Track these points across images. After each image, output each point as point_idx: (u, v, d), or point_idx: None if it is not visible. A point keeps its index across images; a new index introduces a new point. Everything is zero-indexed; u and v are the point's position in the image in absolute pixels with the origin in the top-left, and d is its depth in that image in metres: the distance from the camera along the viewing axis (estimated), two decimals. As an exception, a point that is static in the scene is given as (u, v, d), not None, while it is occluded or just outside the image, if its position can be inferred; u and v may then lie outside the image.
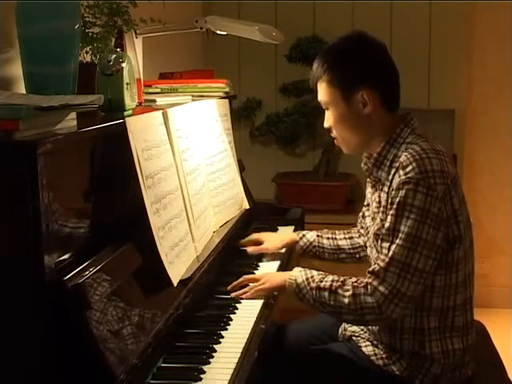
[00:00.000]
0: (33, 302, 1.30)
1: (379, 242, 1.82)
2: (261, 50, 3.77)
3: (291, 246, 2.33)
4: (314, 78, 1.95)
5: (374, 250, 1.89)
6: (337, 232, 2.29)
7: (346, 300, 1.78)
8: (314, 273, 1.89)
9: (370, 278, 1.78)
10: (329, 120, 1.95)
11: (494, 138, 4.01)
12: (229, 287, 2.01)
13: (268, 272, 2.12)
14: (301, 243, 2.29)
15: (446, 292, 1.83)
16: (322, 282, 1.84)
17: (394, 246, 1.75)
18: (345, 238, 2.26)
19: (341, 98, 1.89)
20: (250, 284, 2.00)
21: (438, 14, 3.91)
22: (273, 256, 2.34)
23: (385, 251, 1.77)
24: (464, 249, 1.83)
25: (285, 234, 2.39)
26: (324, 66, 1.91)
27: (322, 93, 1.93)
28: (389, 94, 1.92)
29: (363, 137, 1.92)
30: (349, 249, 2.25)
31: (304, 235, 2.30)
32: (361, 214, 2.21)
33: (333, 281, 1.83)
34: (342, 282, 1.82)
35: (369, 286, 1.76)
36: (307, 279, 1.87)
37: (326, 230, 2.31)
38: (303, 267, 1.95)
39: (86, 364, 1.31)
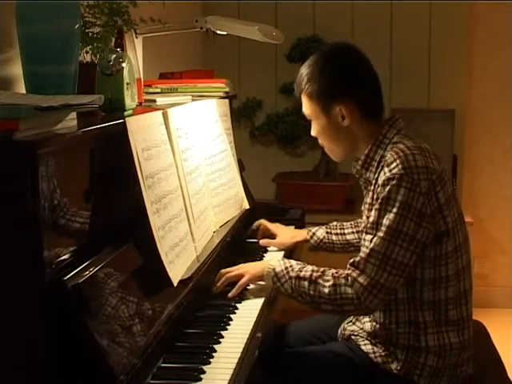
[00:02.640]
0: (33, 302, 1.30)
1: (363, 235, 1.86)
2: (261, 50, 3.77)
3: (300, 243, 2.43)
4: (297, 91, 2.02)
5: None
6: (345, 225, 2.36)
7: (326, 290, 1.81)
8: (293, 262, 1.93)
9: (349, 269, 1.82)
10: (314, 130, 2.02)
11: (494, 138, 4.01)
12: (216, 288, 2.00)
13: (245, 264, 2.10)
14: (311, 241, 2.38)
15: (437, 285, 1.85)
16: (301, 271, 1.87)
17: (374, 238, 1.79)
18: (353, 232, 2.33)
19: (320, 112, 1.95)
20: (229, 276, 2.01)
21: (438, 14, 3.92)
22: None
23: (367, 243, 1.82)
24: (455, 243, 1.86)
25: (296, 232, 2.46)
26: (304, 81, 1.97)
27: (304, 105, 2.00)
28: (368, 105, 1.95)
29: (347, 145, 1.99)
30: (357, 242, 2.29)
31: (314, 233, 2.37)
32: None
33: (313, 271, 1.87)
34: (322, 272, 1.86)
35: (349, 278, 1.80)
36: (286, 268, 1.90)
37: (334, 224, 2.37)
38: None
39: (85, 364, 1.31)
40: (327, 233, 2.35)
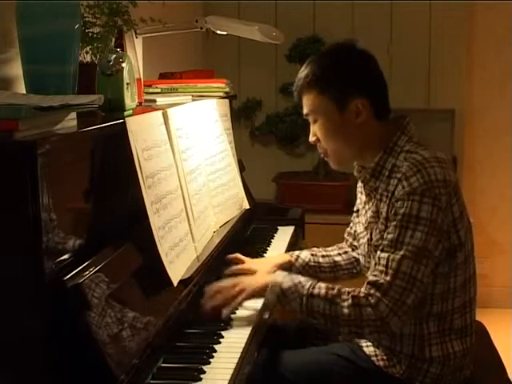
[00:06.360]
0: (33, 302, 1.30)
1: (378, 252, 1.78)
2: (261, 50, 3.77)
3: (285, 268, 2.09)
4: (300, 89, 1.90)
5: (372, 261, 1.87)
6: (329, 248, 2.22)
7: (346, 310, 1.72)
8: (301, 278, 1.81)
9: (371, 289, 1.72)
10: (317, 133, 1.91)
11: (494, 138, 4.02)
12: (204, 305, 1.83)
13: (240, 277, 1.93)
14: (297, 264, 2.16)
15: (445, 297, 1.82)
16: (314, 288, 1.77)
17: (398, 258, 1.71)
18: (339, 254, 2.19)
19: (334, 109, 1.86)
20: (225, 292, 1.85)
21: (438, 14, 3.92)
22: None
23: (383, 262, 1.73)
24: (465, 254, 1.82)
25: (277, 257, 2.21)
26: (314, 76, 1.86)
27: (312, 104, 1.89)
28: (380, 103, 1.89)
29: (355, 148, 1.89)
30: (345, 264, 2.17)
31: (298, 256, 2.17)
32: (348, 229, 2.18)
33: (327, 288, 1.76)
34: (338, 290, 1.75)
35: (370, 298, 1.71)
36: (295, 285, 1.79)
37: (315, 249, 2.22)
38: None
39: (86, 364, 1.31)
40: (312, 255, 2.16)
